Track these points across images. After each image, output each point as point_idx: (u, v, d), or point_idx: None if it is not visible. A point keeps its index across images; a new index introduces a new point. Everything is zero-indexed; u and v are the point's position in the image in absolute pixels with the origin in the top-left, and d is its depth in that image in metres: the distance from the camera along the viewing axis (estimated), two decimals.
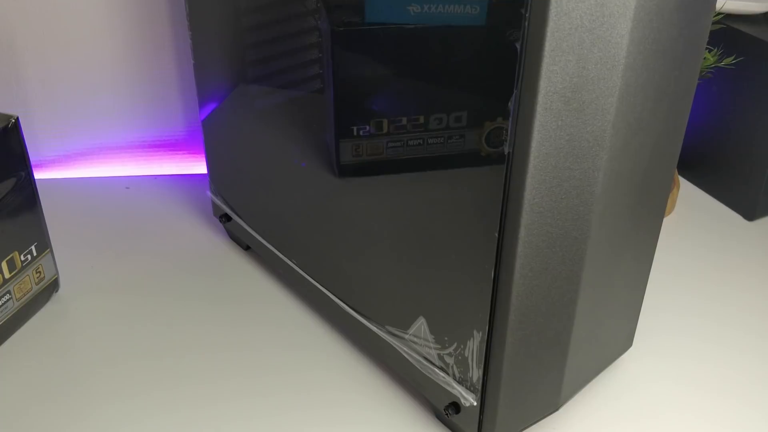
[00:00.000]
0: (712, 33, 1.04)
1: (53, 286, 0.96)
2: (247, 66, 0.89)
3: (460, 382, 0.73)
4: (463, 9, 0.58)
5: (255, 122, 0.90)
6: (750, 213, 1.16)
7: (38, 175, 1.17)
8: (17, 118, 0.86)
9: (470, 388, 0.72)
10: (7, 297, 0.88)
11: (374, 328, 0.82)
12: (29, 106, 1.19)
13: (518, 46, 0.54)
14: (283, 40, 0.80)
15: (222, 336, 0.92)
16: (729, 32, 1.10)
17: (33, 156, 1.13)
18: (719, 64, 1.08)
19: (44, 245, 0.93)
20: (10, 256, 0.88)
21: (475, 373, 0.70)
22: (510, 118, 0.57)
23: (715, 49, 1.09)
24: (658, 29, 0.59)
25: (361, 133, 0.73)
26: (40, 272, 0.93)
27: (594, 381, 0.85)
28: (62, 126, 1.22)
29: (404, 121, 0.68)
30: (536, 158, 0.58)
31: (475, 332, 0.68)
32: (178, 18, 1.15)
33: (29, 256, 0.91)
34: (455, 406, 0.75)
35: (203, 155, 1.06)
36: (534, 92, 0.55)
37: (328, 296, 0.88)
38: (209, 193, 1.07)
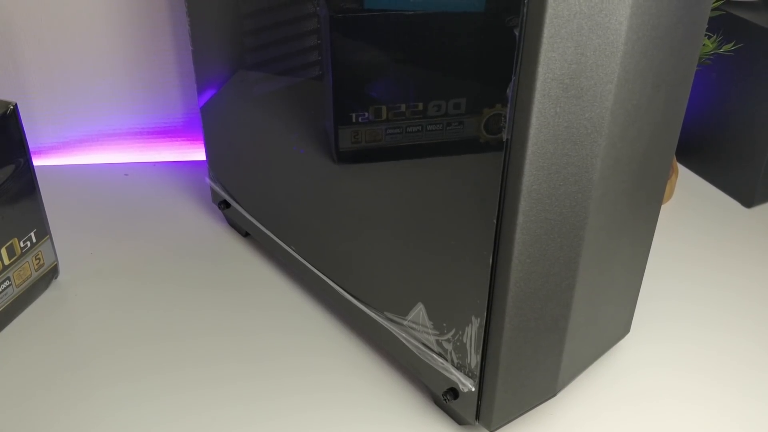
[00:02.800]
0: (711, 19, 1.03)
1: (53, 272, 0.97)
2: (245, 52, 0.89)
3: (458, 367, 0.73)
4: None
5: (254, 109, 0.90)
6: (748, 200, 1.16)
7: (37, 161, 1.17)
8: (15, 104, 0.86)
9: (468, 374, 0.72)
10: (6, 283, 0.88)
11: (373, 315, 0.82)
12: (27, 92, 1.19)
13: (517, 32, 0.54)
14: (281, 26, 0.80)
15: (221, 321, 0.92)
16: (729, 18, 1.10)
17: (31, 143, 1.13)
18: (718, 51, 1.08)
19: (43, 232, 0.93)
20: (10, 242, 0.88)
21: (474, 359, 0.71)
22: (508, 105, 0.57)
23: (715, 36, 1.08)
24: (657, 15, 0.59)
25: (359, 119, 0.73)
26: (39, 259, 0.93)
27: (591, 367, 0.85)
28: (61, 112, 1.22)
29: (403, 107, 0.68)
30: (534, 145, 0.58)
31: (473, 318, 0.69)
32: (176, 3, 1.15)
33: (28, 243, 0.91)
34: (453, 392, 0.75)
35: (202, 142, 1.06)
36: (532, 79, 0.55)
37: (327, 282, 0.88)
38: (208, 180, 1.07)
